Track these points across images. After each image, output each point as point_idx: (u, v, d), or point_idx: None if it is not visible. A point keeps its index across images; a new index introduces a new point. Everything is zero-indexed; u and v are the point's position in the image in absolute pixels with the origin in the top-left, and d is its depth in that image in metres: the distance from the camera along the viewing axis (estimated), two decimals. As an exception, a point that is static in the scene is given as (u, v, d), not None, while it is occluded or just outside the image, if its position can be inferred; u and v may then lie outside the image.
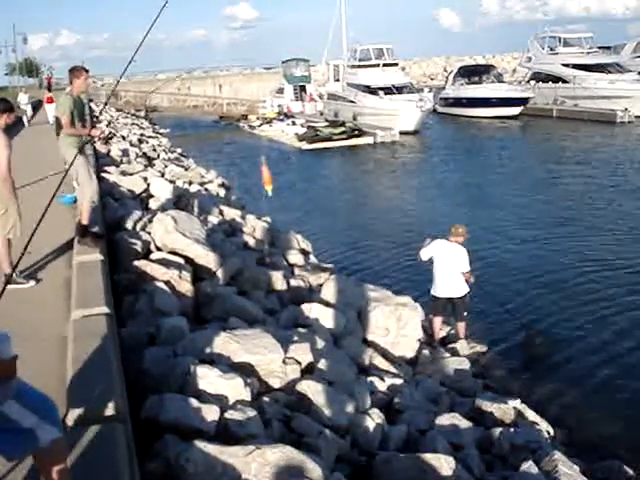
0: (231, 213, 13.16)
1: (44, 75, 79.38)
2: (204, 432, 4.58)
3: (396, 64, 46.65)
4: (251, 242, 11.16)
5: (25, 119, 28.41)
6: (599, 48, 50.19)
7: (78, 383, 4.28)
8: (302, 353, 6.26)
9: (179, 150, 29.78)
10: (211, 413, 4.73)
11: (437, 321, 9.27)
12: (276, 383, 5.83)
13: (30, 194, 9.42)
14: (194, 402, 4.76)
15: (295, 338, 6.60)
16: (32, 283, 6.81)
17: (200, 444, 4.24)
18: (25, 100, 29.22)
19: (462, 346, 8.97)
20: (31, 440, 2.96)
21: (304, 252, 11.73)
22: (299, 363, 6.14)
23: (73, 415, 3.88)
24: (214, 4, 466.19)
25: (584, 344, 9.47)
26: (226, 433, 4.68)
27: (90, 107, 7.21)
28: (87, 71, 7.73)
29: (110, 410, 3.94)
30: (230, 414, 4.82)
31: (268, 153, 25.03)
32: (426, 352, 8.56)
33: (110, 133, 24.23)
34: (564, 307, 10.77)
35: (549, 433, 6.71)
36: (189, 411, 4.68)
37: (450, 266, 9.03)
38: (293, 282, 9.34)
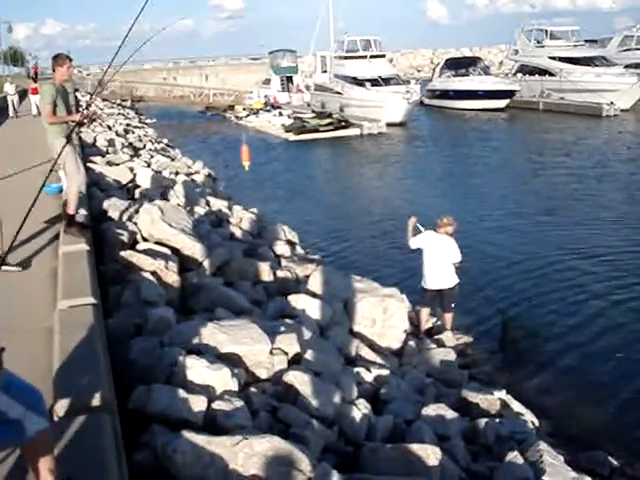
0: (218, 204, 13.14)
1: (30, 65, 78.65)
2: (191, 422, 4.59)
3: (383, 56, 46.63)
4: (238, 233, 11.15)
5: (11, 109, 28.15)
6: (586, 41, 50.55)
7: (65, 374, 4.25)
8: (289, 344, 6.26)
9: (165, 140, 29.63)
10: (198, 404, 4.73)
11: (424, 312, 9.28)
12: (263, 374, 5.84)
13: (13, 184, 9.37)
14: (181, 393, 4.76)
15: (282, 329, 6.59)
16: (19, 269, 6.80)
17: (188, 434, 4.24)
18: (12, 90, 28.94)
19: (448, 337, 8.99)
20: (18, 431, 2.95)
21: (291, 243, 11.73)
22: (286, 354, 6.14)
23: (60, 406, 3.87)
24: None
25: (573, 334, 9.49)
26: (213, 423, 4.69)
27: (75, 96, 7.10)
28: (71, 60, 7.67)
29: (97, 401, 3.93)
30: (217, 404, 4.83)
31: (254, 144, 24.93)
32: (412, 343, 8.57)
33: (94, 113, 23.89)
34: (551, 297, 10.80)
35: (534, 424, 6.74)
36: (176, 402, 4.68)
37: (440, 258, 9.01)
38: (280, 273, 9.32)
